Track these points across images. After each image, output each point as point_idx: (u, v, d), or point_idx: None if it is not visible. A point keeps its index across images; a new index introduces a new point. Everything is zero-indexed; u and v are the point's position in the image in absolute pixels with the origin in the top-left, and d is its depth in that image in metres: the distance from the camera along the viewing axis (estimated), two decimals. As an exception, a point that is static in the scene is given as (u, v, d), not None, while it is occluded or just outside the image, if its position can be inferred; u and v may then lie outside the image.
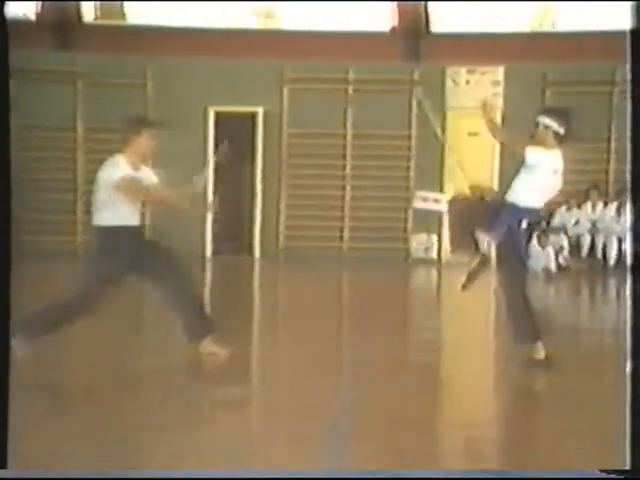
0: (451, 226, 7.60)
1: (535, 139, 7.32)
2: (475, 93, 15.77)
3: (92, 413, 5.85)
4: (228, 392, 6.62)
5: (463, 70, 16.65)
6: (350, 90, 16.99)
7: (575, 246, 16.07)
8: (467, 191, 7.72)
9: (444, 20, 17.07)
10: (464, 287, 7.64)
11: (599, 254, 16.01)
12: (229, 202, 17.00)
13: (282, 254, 16.99)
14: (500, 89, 16.54)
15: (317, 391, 6.60)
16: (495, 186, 8.26)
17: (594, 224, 16.21)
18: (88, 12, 17.26)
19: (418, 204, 14.38)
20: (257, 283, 15.61)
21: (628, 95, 4.20)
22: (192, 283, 7.52)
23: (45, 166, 16.24)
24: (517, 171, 7.36)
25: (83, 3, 17.19)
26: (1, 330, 4.12)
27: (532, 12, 17.29)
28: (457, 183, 8.00)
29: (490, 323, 10.45)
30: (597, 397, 6.47)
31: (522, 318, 7.30)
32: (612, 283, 14.66)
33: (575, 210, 16.28)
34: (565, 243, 15.88)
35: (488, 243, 7.40)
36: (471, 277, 7.58)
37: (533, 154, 7.20)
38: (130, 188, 7.20)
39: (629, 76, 4.17)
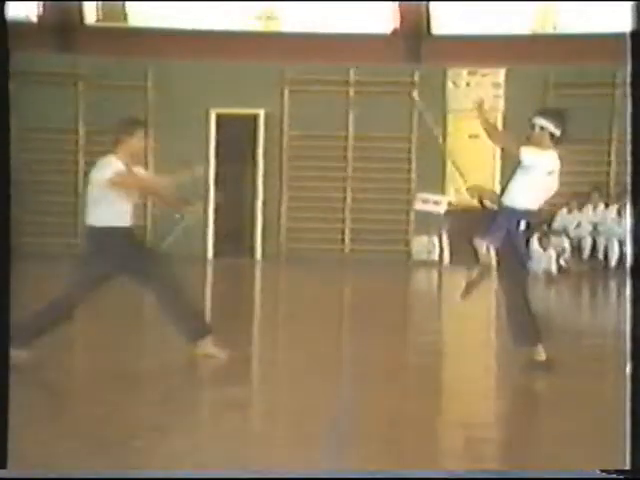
0: (449, 237, 7.58)
1: (531, 140, 7.31)
2: (476, 95, 15.76)
3: (92, 413, 5.85)
4: (229, 393, 6.62)
5: (464, 72, 16.66)
6: (351, 92, 17.01)
7: (576, 248, 16.06)
8: (465, 193, 7.69)
9: (445, 22, 17.08)
10: (463, 296, 7.63)
11: (600, 256, 16.01)
12: (230, 204, 17.02)
13: (283, 256, 17.00)
14: (501, 91, 16.55)
15: (318, 392, 6.60)
16: (497, 188, 8.28)
17: (595, 226, 16.21)
18: (90, 14, 17.28)
19: (419, 206, 14.37)
20: (258, 285, 15.61)
21: (628, 97, 4.20)
22: (182, 285, 7.47)
23: (46, 168, 16.25)
24: (513, 172, 7.35)
25: (85, 5, 17.21)
26: (1, 330, 4.13)
27: (533, 14, 17.30)
28: (457, 185, 7.98)
29: (491, 325, 10.45)
30: (597, 398, 6.47)
31: (523, 320, 7.29)
32: (613, 285, 14.65)
33: (576, 212, 16.28)
34: (566, 245, 15.88)
35: (487, 248, 7.39)
36: (470, 287, 7.55)
37: (528, 155, 7.19)
38: (125, 182, 7.20)
39: (629, 78, 4.17)
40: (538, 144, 7.26)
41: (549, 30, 17.34)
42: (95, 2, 17.40)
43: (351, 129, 17.00)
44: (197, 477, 4.53)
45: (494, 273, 7.49)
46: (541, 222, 15.18)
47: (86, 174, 7.68)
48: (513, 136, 7.62)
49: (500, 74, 16.65)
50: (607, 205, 16.32)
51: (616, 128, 16.15)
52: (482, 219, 7.40)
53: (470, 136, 15.42)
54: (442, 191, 15.66)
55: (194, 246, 16.27)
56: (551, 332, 7.96)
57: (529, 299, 7.44)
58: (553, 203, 14.97)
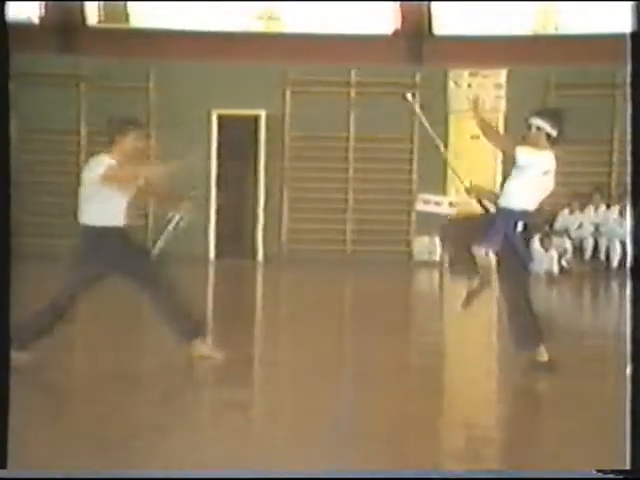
0: (448, 250, 7.54)
1: (527, 140, 7.29)
2: (475, 95, 15.76)
3: (93, 413, 5.85)
4: (230, 393, 6.63)
5: (465, 73, 16.66)
6: (353, 93, 17.01)
7: (578, 249, 16.06)
8: (465, 194, 7.67)
9: (447, 23, 17.07)
10: (463, 306, 7.61)
11: (602, 257, 16.00)
12: (232, 205, 17.03)
13: (285, 257, 17.00)
14: (502, 92, 16.56)
15: (319, 392, 6.60)
16: (498, 189, 8.28)
17: (597, 227, 16.21)
18: (92, 15, 17.28)
19: (420, 207, 14.36)
20: (260, 286, 15.61)
21: (628, 97, 4.21)
22: (175, 285, 7.44)
23: (48, 169, 16.26)
24: (509, 173, 7.33)
25: (87, 6, 17.21)
26: (1, 331, 4.13)
27: (534, 14, 17.29)
28: (458, 185, 7.95)
29: (493, 325, 10.44)
30: (598, 399, 6.47)
31: (524, 324, 7.22)
32: (615, 286, 14.65)
33: (578, 213, 16.28)
34: (568, 246, 15.88)
35: (486, 253, 7.37)
36: (470, 297, 7.52)
37: (524, 154, 7.18)
38: (116, 175, 7.18)
39: (629, 79, 4.17)
40: (534, 144, 7.25)
41: (551, 31, 17.34)
42: (97, 3, 17.40)
43: (352, 130, 17.00)
44: (197, 477, 4.53)
45: (495, 283, 7.47)
46: (543, 223, 15.17)
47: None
48: (509, 136, 7.61)
49: (501, 75, 16.65)
50: (609, 206, 16.31)
51: (617, 129, 16.15)
52: (479, 226, 7.37)
53: (472, 137, 15.40)
54: (443, 192, 15.65)
55: (196, 246, 16.27)
56: (553, 333, 7.95)
57: (531, 301, 7.41)
58: (555, 204, 15.01)
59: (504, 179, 7.65)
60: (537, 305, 7.77)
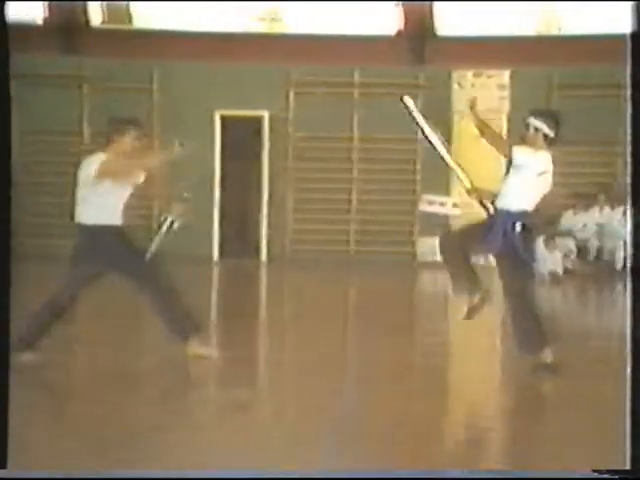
0: (448, 263, 7.47)
1: (525, 141, 7.28)
2: (481, 97, 15.75)
3: (92, 413, 5.85)
4: (233, 393, 6.62)
5: (469, 73, 16.64)
6: (356, 93, 17.00)
7: (582, 249, 16.04)
8: (466, 195, 7.65)
9: (450, 23, 17.06)
10: (465, 319, 7.59)
11: (606, 258, 15.98)
12: (236, 206, 17.03)
13: (289, 257, 17.00)
14: (506, 92, 16.54)
15: (323, 392, 6.60)
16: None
17: (601, 228, 16.19)
18: (95, 16, 17.29)
19: (424, 207, 14.37)
20: (264, 286, 15.62)
21: (628, 98, 4.20)
22: (172, 284, 7.43)
23: (51, 170, 16.25)
24: (506, 175, 7.31)
25: (90, 7, 17.22)
26: (1, 331, 4.13)
27: (538, 15, 17.27)
28: (459, 187, 7.93)
29: (497, 326, 10.43)
30: (602, 400, 6.45)
31: (528, 327, 7.18)
32: (619, 287, 14.62)
33: (582, 214, 16.26)
34: (572, 247, 15.86)
35: (485, 256, 7.35)
36: (472, 312, 7.49)
37: (520, 154, 7.17)
38: (111, 169, 7.16)
39: (629, 79, 4.17)
40: (532, 144, 7.24)
41: (554, 31, 17.32)
42: (100, 4, 17.40)
43: (356, 130, 17.00)
44: (197, 477, 4.52)
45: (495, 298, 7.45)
46: (547, 223, 15.15)
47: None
48: (507, 136, 7.58)
49: (505, 75, 16.63)
50: (613, 207, 16.29)
51: (622, 129, 16.11)
52: (478, 232, 7.35)
53: (476, 137, 15.38)
54: (447, 192, 15.64)
55: (200, 247, 16.27)
56: (556, 334, 7.93)
57: (534, 303, 7.38)
58: (559, 204, 14.98)
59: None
60: (541, 306, 7.76)
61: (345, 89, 16.97)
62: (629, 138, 4.23)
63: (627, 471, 4.24)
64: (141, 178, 7.40)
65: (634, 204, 4.30)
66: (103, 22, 17.38)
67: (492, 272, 7.54)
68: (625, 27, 4.50)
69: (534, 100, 15.08)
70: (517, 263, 7.20)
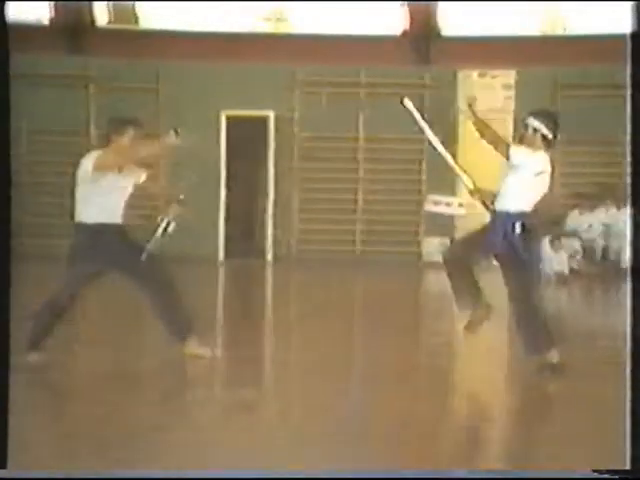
0: (452, 278, 7.45)
1: (523, 141, 7.27)
2: (486, 96, 15.75)
3: (92, 413, 5.85)
4: (238, 393, 6.63)
5: (475, 73, 16.63)
6: (362, 93, 17.00)
7: (588, 250, 16.02)
8: (469, 196, 7.65)
9: (455, 23, 17.06)
10: (466, 331, 7.59)
11: (612, 258, 15.96)
12: (241, 206, 17.04)
13: (294, 257, 17.00)
14: (512, 92, 16.52)
15: (328, 392, 6.60)
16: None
17: (607, 228, 16.17)
18: (101, 16, 17.31)
19: (430, 207, 14.36)
20: (269, 286, 15.62)
21: (628, 98, 4.20)
22: (171, 284, 7.42)
23: (58, 170, 16.26)
24: (504, 176, 7.30)
25: (96, 7, 17.24)
26: (1, 331, 4.13)
27: (543, 15, 17.26)
28: (463, 187, 7.92)
29: (503, 326, 10.42)
30: (600, 399, 6.44)
31: (533, 329, 7.13)
32: (625, 287, 14.59)
33: (588, 214, 16.24)
34: (578, 247, 15.84)
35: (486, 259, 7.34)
36: (472, 326, 7.47)
37: (517, 154, 7.16)
38: (105, 162, 7.15)
39: (629, 79, 4.17)
40: (530, 145, 7.23)
41: (559, 31, 17.30)
42: (106, 4, 17.42)
43: (362, 130, 17.00)
44: (197, 477, 4.53)
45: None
46: (552, 224, 15.14)
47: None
48: (506, 136, 7.56)
49: (511, 76, 16.62)
50: (619, 207, 16.27)
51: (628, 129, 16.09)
52: (480, 240, 7.34)
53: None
54: (453, 192, 15.62)
55: (205, 247, 16.29)
56: (562, 334, 7.92)
57: (539, 304, 7.35)
58: (561, 204, 14.97)
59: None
60: (547, 306, 7.74)
61: (351, 89, 16.97)
62: (629, 138, 4.23)
63: (627, 471, 4.24)
64: (143, 177, 7.41)
65: (634, 204, 4.31)
66: (109, 22, 17.40)
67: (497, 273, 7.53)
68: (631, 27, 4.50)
69: (540, 100, 15.07)
70: (519, 264, 7.18)
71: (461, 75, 16.65)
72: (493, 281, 7.56)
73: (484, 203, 7.42)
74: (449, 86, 16.39)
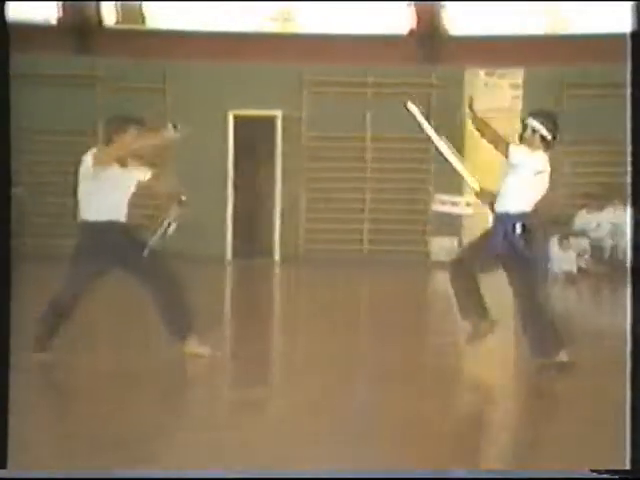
0: (457, 294, 7.44)
1: (522, 141, 7.26)
2: (494, 96, 15.73)
3: (93, 413, 5.85)
4: (244, 392, 6.63)
5: (482, 72, 16.61)
6: (369, 93, 16.99)
7: (596, 249, 15.99)
8: (475, 197, 7.64)
9: (462, 22, 17.04)
10: (467, 343, 7.57)
11: (620, 257, 15.92)
12: (249, 206, 17.04)
13: (302, 257, 17.00)
14: (519, 92, 16.49)
15: (334, 392, 6.60)
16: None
17: (615, 227, 16.13)
18: (108, 16, 17.33)
19: (437, 207, 14.35)
20: (277, 285, 15.63)
21: (628, 97, 4.19)
22: (175, 283, 7.41)
23: (64, 169, 16.25)
24: (503, 177, 7.28)
25: (103, 7, 17.26)
26: (1, 331, 4.14)
27: (550, 14, 17.23)
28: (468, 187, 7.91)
29: (509, 325, 10.40)
30: (601, 399, 6.42)
31: (539, 331, 7.11)
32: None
33: (596, 213, 16.21)
34: (587, 246, 15.82)
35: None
36: (474, 339, 7.45)
37: (516, 153, 7.15)
38: (104, 156, 7.16)
39: (629, 79, 4.16)
40: (529, 145, 7.22)
41: (567, 31, 17.26)
42: (113, 4, 17.44)
43: (369, 130, 16.99)
44: (198, 477, 4.52)
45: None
46: (560, 223, 15.11)
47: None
48: (506, 136, 7.54)
49: (518, 75, 16.59)
50: (627, 206, 16.24)
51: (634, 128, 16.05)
52: (483, 247, 7.32)
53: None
54: (460, 192, 15.59)
55: (213, 246, 16.30)
56: (570, 333, 7.89)
57: (545, 304, 7.31)
58: (564, 204, 14.92)
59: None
60: (555, 306, 7.71)
61: (358, 89, 16.96)
62: (628, 137, 4.22)
63: (627, 471, 4.23)
64: (147, 175, 7.40)
65: (634, 204, 4.30)
66: (116, 22, 17.42)
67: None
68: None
69: (548, 99, 15.05)
70: (522, 264, 7.15)
71: (468, 74, 16.62)
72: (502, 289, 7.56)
73: (490, 205, 7.41)
74: (456, 85, 16.37)
